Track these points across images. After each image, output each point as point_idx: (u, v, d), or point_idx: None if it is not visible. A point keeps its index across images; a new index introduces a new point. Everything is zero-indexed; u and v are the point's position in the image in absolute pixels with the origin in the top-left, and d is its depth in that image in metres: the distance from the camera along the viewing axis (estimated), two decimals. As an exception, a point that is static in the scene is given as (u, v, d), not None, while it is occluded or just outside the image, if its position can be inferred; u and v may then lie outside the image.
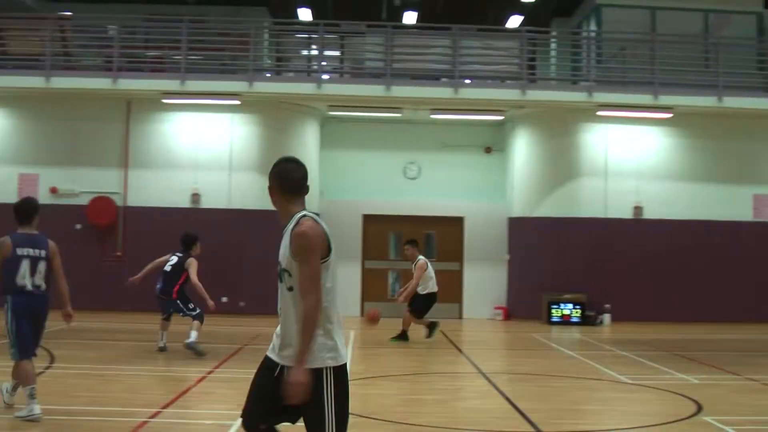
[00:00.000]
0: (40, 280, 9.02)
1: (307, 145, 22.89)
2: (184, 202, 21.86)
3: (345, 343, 5.21)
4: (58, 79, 20.97)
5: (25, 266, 8.94)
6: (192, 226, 21.30)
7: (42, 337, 9.35)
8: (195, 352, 13.79)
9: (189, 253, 14.42)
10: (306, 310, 4.98)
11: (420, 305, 17.07)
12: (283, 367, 5.14)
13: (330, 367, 5.04)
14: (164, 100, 21.43)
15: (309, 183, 5.37)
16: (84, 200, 21.79)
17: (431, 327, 17.15)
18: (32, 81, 21.06)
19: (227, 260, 21.31)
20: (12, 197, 21.14)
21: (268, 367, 5.28)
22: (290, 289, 5.14)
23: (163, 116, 22.13)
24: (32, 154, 21.96)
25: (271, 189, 5.29)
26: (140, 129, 22.12)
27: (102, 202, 21.71)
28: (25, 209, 9.20)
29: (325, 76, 22.02)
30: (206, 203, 21.92)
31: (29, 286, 8.96)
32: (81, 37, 23.43)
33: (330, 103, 22.16)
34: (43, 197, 21.54)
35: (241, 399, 5.29)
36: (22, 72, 21.35)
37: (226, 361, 13.75)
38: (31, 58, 21.76)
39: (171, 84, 20.95)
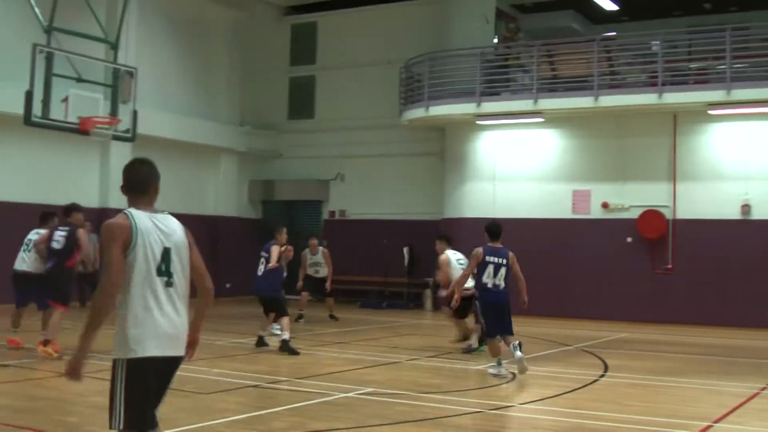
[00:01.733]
0: (499, 280, 12.23)
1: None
2: (734, 214, 21.49)
3: (170, 337, 5.09)
4: (605, 97, 21.90)
5: (489, 270, 12.21)
6: (742, 238, 21.07)
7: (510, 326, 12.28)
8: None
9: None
10: (94, 298, 4.96)
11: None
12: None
13: (122, 359, 4.97)
14: (710, 112, 21.34)
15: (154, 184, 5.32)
16: (634, 214, 22.37)
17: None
18: (581, 101, 22.24)
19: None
20: (567, 213, 22.63)
21: None
22: None
23: (710, 127, 22.01)
24: (584, 171, 23.08)
25: (121, 188, 5.34)
26: (686, 141, 22.19)
27: (652, 215, 22.11)
28: (494, 230, 12.57)
29: None
30: (757, 215, 21.34)
31: (490, 285, 12.22)
32: (625, 55, 24.16)
33: None
34: (595, 212, 22.61)
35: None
36: (572, 93, 22.62)
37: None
38: (579, 79, 22.98)
39: (716, 95, 20.84)
